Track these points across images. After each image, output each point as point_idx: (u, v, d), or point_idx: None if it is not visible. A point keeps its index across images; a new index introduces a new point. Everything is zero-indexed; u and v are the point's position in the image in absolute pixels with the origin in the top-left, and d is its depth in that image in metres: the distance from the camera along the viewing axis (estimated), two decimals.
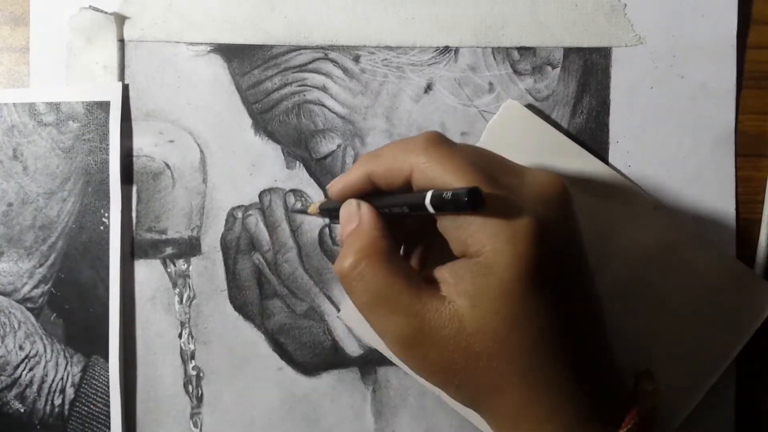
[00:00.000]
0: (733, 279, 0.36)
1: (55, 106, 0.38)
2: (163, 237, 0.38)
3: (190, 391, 0.38)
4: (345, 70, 0.38)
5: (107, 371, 0.37)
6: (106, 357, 0.38)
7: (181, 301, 0.38)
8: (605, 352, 0.28)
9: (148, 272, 0.38)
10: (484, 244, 0.25)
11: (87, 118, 0.38)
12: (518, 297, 0.25)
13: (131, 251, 0.38)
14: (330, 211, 0.32)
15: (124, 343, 0.38)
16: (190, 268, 0.38)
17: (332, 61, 0.38)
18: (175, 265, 0.38)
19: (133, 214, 0.38)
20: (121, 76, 0.38)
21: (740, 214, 0.37)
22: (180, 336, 0.38)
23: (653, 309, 0.36)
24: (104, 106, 0.38)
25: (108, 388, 0.37)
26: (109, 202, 0.38)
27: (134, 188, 0.38)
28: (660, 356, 0.35)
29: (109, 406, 0.37)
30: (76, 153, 0.38)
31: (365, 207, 0.29)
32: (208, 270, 0.38)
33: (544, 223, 0.26)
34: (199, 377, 0.38)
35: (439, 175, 0.26)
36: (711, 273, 0.36)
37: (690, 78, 0.37)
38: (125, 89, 0.38)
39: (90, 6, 0.38)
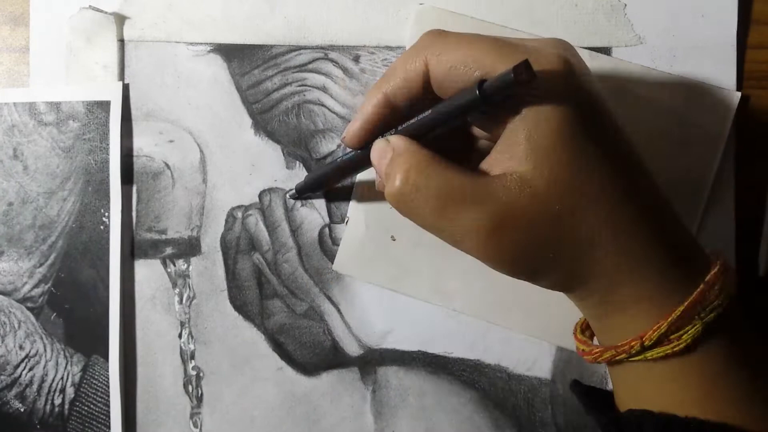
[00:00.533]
0: (690, 95, 0.36)
1: (55, 106, 0.38)
2: (163, 237, 0.38)
3: (190, 390, 0.38)
4: (345, 70, 0.38)
5: (107, 371, 0.37)
6: (106, 356, 0.38)
7: (181, 301, 0.38)
8: (664, 193, 0.27)
9: (148, 272, 0.38)
10: (524, 100, 0.24)
11: (87, 118, 0.38)
12: (574, 138, 0.24)
13: (131, 251, 0.38)
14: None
15: (124, 342, 0.38)
16: (190, 268, 0.38)
17: (332, 61, 0.38)
18: (175, 265, 0.38)
19: (133, 214, 0.38)
20: (121, 76, 0.38)
21: (740, 214, 0.37)
22: (180, 336, 0.38)
23: None
24: (104, 105, 0.38)
25: (108, 387, 0.37)
26: (109, 201, 0.38)
27: (134, 188, 0.38)
28: None
29: (109, 406, 0.37)
30: (77, 152, 0.38)
31: (394, 137, 0.28)
32: (208, 270, 0.38)
33: (572, 63, 0.25)
34: (199, 377, 0.38)
35: (458, 56, 0.26)
36: (666, 97, 0.36)
37: (690, 78, 0.37)
38: (125, 89, 0.38)
39: (90, 6, 0.38)
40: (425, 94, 0.28)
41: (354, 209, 0.38)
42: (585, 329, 0.31)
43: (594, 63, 0.37)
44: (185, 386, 0.38)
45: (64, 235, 0.38)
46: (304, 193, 0.37)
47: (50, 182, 0.38)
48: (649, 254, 0.25)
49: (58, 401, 0.38)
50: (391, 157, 0.27)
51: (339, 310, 0.38)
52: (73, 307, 0.38)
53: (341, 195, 0.38)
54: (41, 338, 0.38)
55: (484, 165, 0.26)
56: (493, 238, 0.25)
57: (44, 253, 0.38)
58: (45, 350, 0.38)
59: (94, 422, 0.38)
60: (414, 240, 0.37)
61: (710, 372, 0.26)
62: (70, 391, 0.38)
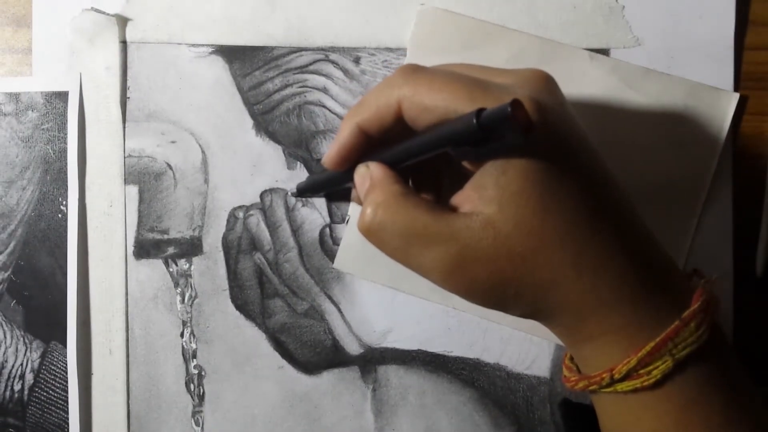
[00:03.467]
0: (688, 97, 0.36)
1: (14, 97, 0.38)
2: (165, 237, 0.38)
3: (192, 389, 0.38)
4: (345, 71, 0.38)
5: (65, 357, 0.38)
6: (64, 343, 0.38)
7: (182, 301, 0.38)
8: (645, 227, 0.27)
9: (150, 272, 0.38)
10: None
11: (46, 108, 0.39)
12: (541, 182, 0.25)
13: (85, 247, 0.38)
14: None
15: (126, 339, 0.38)
16: (192, 267, 0.38)
17: (333, 62, 0.38)
18: (177, 265, 0.38)
19: (136, 214, 0.38)
20: (123, 78, 0.38)
21: (738, 215, 0.37)
22: (182, 335, 0.38)
23: (623, 152, 0.36)
24: (63, 96, 0.38)
25: (66, 373, 0.38)
26: (67, 190, 0.38)
27: (136, 188, 0.38)
28: (647, 191, 0.36)
29: (67, 392, 0.38)
30: (35, 142, 0.39)
31: (373, 164, 0.29)
32: (210, 269, 0.38)
33: (541, 102, 0.25)
34: (200, 376, 0.38)
35: (430, 99, 0.26)
36: (664, 98, 0.36)
37: (688, 79, 0.37)
38: (82, 79, 0.38)
39: (92, 8, 0.38)
40: (397, 125, 0.28)
41: (355, 208, 0.38)
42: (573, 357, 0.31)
43: (593, 64, 0.37)
44: (187, 385, 0.38)
45: (23, 223, 0.39)
46: (303, 194, 0.37)
47: (9, 171, 0.39)
48: (617, 290, 0.26)
49: (17, 387, 0.38)
50: (368, 187, 0.28)
51: (339, 310, 0.38)
52: (32, 294, 0.39)
53: (341, 195, 0.38)
54: (1, 325, 0.39)
55: (456, 199, 0.27)
56: (454, 275, 0.26)
57: (4, 242, 0.39)
58: (5, 337, 0.38)
59: (53, 407, 0.38)
60: None
61: (683, 402, 0.26)
62: (29, 377, 0.38)
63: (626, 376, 0.26)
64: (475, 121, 0.23)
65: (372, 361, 0.38)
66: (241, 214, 0.38)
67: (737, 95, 0.37)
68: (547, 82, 0.27)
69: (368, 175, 0.29)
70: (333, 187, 0.35)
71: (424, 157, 0.27)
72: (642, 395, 0.26)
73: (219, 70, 0.38)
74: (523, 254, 0.25)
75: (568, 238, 0.25)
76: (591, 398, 0.30)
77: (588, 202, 0.25)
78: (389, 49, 0.38)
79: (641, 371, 0.25)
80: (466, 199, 0.26)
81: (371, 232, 0.27)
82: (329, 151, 0.30)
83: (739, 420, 0.26)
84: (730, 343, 0.28)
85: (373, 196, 0.27)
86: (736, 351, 0.35)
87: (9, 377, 0.39)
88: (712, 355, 0.26)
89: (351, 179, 0.31)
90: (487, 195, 0.25)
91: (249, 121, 0.38)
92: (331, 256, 0.38)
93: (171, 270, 0.38)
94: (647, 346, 0.25)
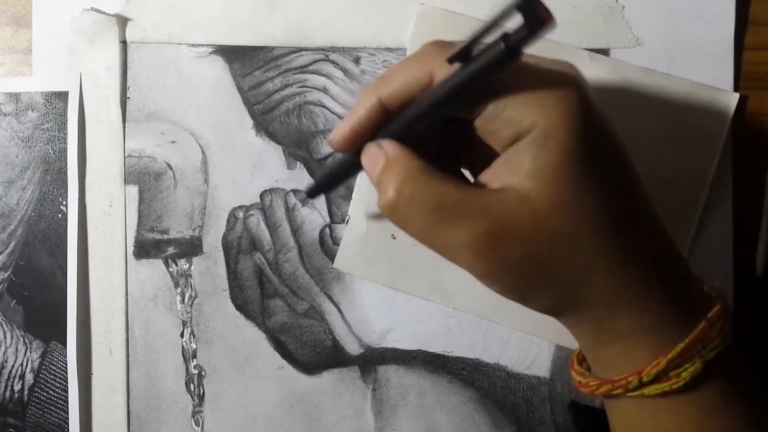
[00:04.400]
0: (688, 97, 0.36)
1: (14, 97, 0.38)
2: (165, 237, 0.38)
3: (192, 389, 0.38)
4: (345, 71, 0.38)
5: (65, 357, 0.38)
6: (64, 343, 0.38)
7: (182, 301, 0.38)
8: (666, 228, 0.27)
9: (150, 272, 0.38)
10: (535, 114, 0.23)
11: (46, 108, 0.39)
12: (583, 161, 0.23)
13: (85, 246, 0.38)
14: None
15: (126, 339, 0.38)
16: (192, 267, 0.38)
17: (333, 62, 0.38)
18: (177, 265, 0.38)
19: (136, 214, 0.38)
20: (123, 78, 0.38)
21: (738, 215, 0.37)
22: (182, 335, 0.38)
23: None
24: (63, 96, 0.38)
25: (66, 373, 0.38)
26: (67, 190, 0.38)
27: (137, 188, 0.38)
28: (646, 188, 0.36)
29: (67, 392, 0.38)
30: (35, 142, 0.39)
31: (385, 142, 0.26)
32: (210, 270, 0.38)
33: (588, 87, 0.24)
34: (200, 376, 0.38)
35: None
36: (664, 98, 0.36)
37: (688, 79, 0.37)
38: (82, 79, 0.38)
39: (92, 8, 0.38)
40: None
41: (355, 208, 0.38)
42: (582, 360, 0.30)
43: (593, 64, 0.37)
44: (187, 385, 0.38)
45: (23, 223, 0.39)
46: (316, 195, 0.34)
47: (9, 171, 0.39)
48: (648, 285, 0.25)
49: (17, 387, 0.38)
50: (384, 165, 0.26)
51: (339, 310, 0.38)
52: (32, 294, 0.39)
53: (342, 195, 0.38)
54: (1, 325, 0.39)
55: (483, 177, 0.25)
56: (486, 254, 0.24)
57: (4, 242, 0.39)
58: (5, 337, 0.39)
59: (53, 407, 0.38)
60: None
61: (707, 406, 0.25)
62: (29, 377, 0.39)
63: (655, 379, 0.25)
64: (503, 45, 0.22)
65: (372, 361, 0.38)
66: (241, 214, 0.38)
67: (737, 95, 0.37)
68: (576, 69, 0.26)
69: (381, 153, 0.26)
70: (345, 179, 0.32)
71: (441, 113, 0.25)
72: (667, 400, 0.25)
73: (219, 70, 0.38)
74: (562, 234, 0.24)
75: (605, 225, 0.24)
76: (606, 403, 0.29)
77: (626, 190, 0.25)
78: (389, 49, 0.38)
79: (671, 373, 0.25)
80: (496, 175, 0.25)
81: (398, 209, 0.25)
82: (339, 128, 0.27)
83: (759, 425, 0.26)
84: (739, 350, 0.28)
85: (394, 173, 0.25)
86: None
87: (9, 377, 0.39)
88: (735, 362, 0.26)
89: (351, 173, 0.29)
90: (523, 170, 0.24)
91: (249, 121, 0.38)
92: (331, 256, 0.38)
93: (171, 270, 0.38)
94: (677, 347, 0.24)
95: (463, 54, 0.24)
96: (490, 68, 0.23)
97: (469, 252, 0.24)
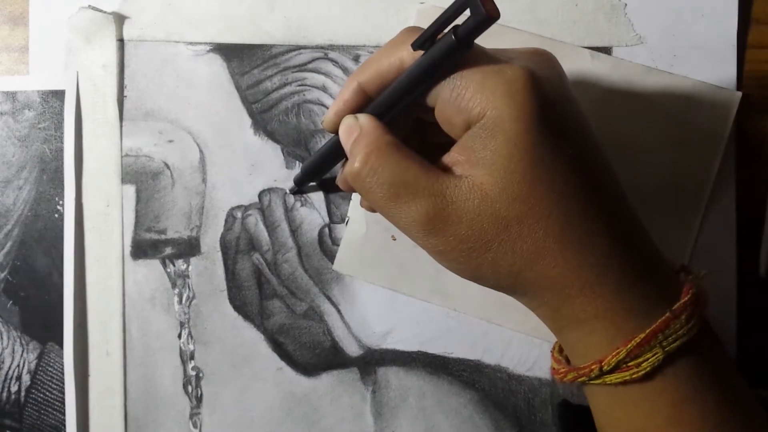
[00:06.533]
0: (690, 95, 0.36)
1: (11, 95, 0.38)
2: (163, 237, 0.38)
3: (190, 391, 0.38)
4: (345, 69, 0.38)
5: (62, 358, 0.38)
6: (61, 344, 0.38)
7: (180, 302, 0.38)
8: (636, 217, 0.27)
9: (147, 272, 0.38)
10: (485, 104, 0.25)
11: (42, 107, 0.38)
12: (532, 150, 0.25)
13: (81, 247, 0.38)
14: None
15: (123, 340, 0.38)
16: (190, 268, 0.38)
17: (332, 60, 0.38)
18: (174, 265, 0.38)
19: (133, 214, 0.38)
20: (120, 76, 0.38)
21: (741, 214, 0.37)
22: (179, 336, 0.38)
23: (625, 151, 0.36)
24: (59, 94, 0.38)
25: (63, 374, 0.38)
26: (63, 190, 0.38)
27: (134, 188, 0.38)
28: (649, 190, 0.36)
29: (64, 393, 0.38)
30: (32, 141, 0.38)
31: (362, 115, 0.29)
32: (208, 270, 0.38)
33: (537, 72, 0.25)
34: (198, 377, 0.38)
35: None
36: (666, 97, 0.36)
37: (690, 77, 0.37)
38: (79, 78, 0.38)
39: (89, 5, 0.38)
40: None
41: (354, 209, 0.38)
42: (562, 349, 0.30)
43: (594, 63, 0.37)
44: (185, 387, 0.38)
45: (19, 223, 0.38)
46: (302, 184, 0.37)
47: (6, 171, 0.38)
48: (602, 270, 0.25)
49: (14, 388, 0.38)
50: (356, 136, 0.28)
51: (339, 311, 0.38)
52: (29, 294, 0.38)
53: (341, 195, 0.38)
54: None
55: (444, 160, 0.27)
56: (435, 230, 0.26)
57: (0, 242, 0.38)
58: (1, 338, 0.38)
59: (50, 409, 0.38)
60: None
61: (674, 398, 0.25)
62: (26, 379, 0.38)
63: (615, 368, 0.25)
64: (453, 37, 0.24)
65: (372, 362, 0.38)
66: (239, 214, 0.38)
67: (740, 94, 0.36)
68: (548, 59, 0.27)
69: (357, 125, 0.28)
70: (329, 165, 0.34)
71: (409, 97, 0.27)
72: (632, 390, 0.26)
73: (217, 68, 0.38)
74: (508, 219, 0.25)
75: (555, 210, 0.25)
76: (585, 393, 0.29)
77: (579, 178, 0.25)
78: None
79: (630, 363, 0.25)
80: (453, 161, 0.26)
81: (360, 178, 0.27)
82: (328, 111, 0.30)
83: (734, 417, 0.26)
84: (720, 341, 0.27)
85: (363, 143, 0.27)
86: (738, 350, 0.35)
87: (6, 378, 0.38)
88: (704, 351, 0.26)
89: (340, 151, 0.30)
90: (475, 157, 0.25)
91: (247, 120, 0.38)
92: (330, 256, 0.38)
93: (168, 270, 0.38)
94: (637, 337, 0.25)
95: (426, 42, 0.26)
96: (442, 58, 0.25)
97: (420, 226, 0.26)
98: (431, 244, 0.27)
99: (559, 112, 0.26)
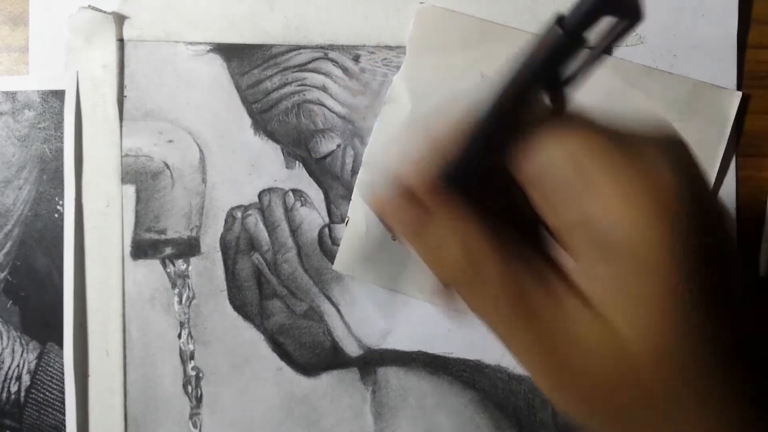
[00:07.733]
0: (690, 95, 0.36)
1: (11, 96, 0.38)
2: (163, 237, 0.38)
3: (190, 391, 0.38)
4: (345, 69, 0.38)
5: (62, 358, 0.38)
6: (60, 344, 0.38)
7: (180, 302, 0.38)
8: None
9: (147, 272, 0.38)
10: (625, 225, 0.18)
11: (42, 107, 0.38)
12: (679, 292, 0.18)
13: (81, 246, 0.38)
14: None
15: (123, 341, 0.38)
16: (190, 268, 0.38)
17: (332, 60, 0.38)
18: (174, 265, 0.38)
19: (133, 214, 0.38)
20: (120, 76, 0.38)
21: (741, 214, 0.37)
22: (179, 336, 0.38)
23: None
24: (59, 94, 0.38)
25: (63, 374, 0.38)
26: (63, 189, 0.38)
27: (134, 188, 0.38)
28: None
29: (64, 393, 0.38)
30: (32, 141, 0.38)
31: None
32: (208, 270, 0.38)
33: (684, 182, 0.18)
34: (198, 377, 0.38)
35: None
36: (666, 97, 0.36)
37: (691, 77, 0.37)
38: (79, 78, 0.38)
39: (89, 5, 0.38)
40: None
41: (354, 209, 0.37)
42: None
43: None
44: (185, 387, 0.38)
45: (19, 223, 0.38)
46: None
47: (6, 171, 0.38)
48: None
49: (14, 388, 0.38)
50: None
51: (339, 311, 0.38)
52: (29, 294, 0.38)
53: (341, 195, 0.38)
54: None
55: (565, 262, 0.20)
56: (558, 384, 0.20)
57: (0, 242, 0.38)
58: (1, 338, 0.38)
59: (50, 409, 0.38)
60: None
61: None
62: (26, 379, 0.38)
63: None
64: (557, 25, 0.17)
65: (372, 362, 0.38)
66: (239, 214, 0.38)
67: (740, 94, 0.36)
68: (682, 145, 0.21)
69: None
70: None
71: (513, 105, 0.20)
72: None
73: (217, 68, 0.38)
74: (650, 383, 0.18)
75: (701, 373, 0.18)
76: None
77: (728, 334, 0.19)
78: (389, 47, 0.38)
79: None
80: (576, 275, 0.20)
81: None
82: None
83: None
84: None
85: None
86: None
87: (6, 378, 0.38)
88: None
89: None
90: (602, 286, 0.19)
91: (247, 120, 0.38)
92: (330, 256, 0.38)
93: (168, 270, 0.38)
94: None
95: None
96: (545, 58, 0.18)
97: (535, 370, 0.21)
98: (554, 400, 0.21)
99: (700, 245, 0.19)
